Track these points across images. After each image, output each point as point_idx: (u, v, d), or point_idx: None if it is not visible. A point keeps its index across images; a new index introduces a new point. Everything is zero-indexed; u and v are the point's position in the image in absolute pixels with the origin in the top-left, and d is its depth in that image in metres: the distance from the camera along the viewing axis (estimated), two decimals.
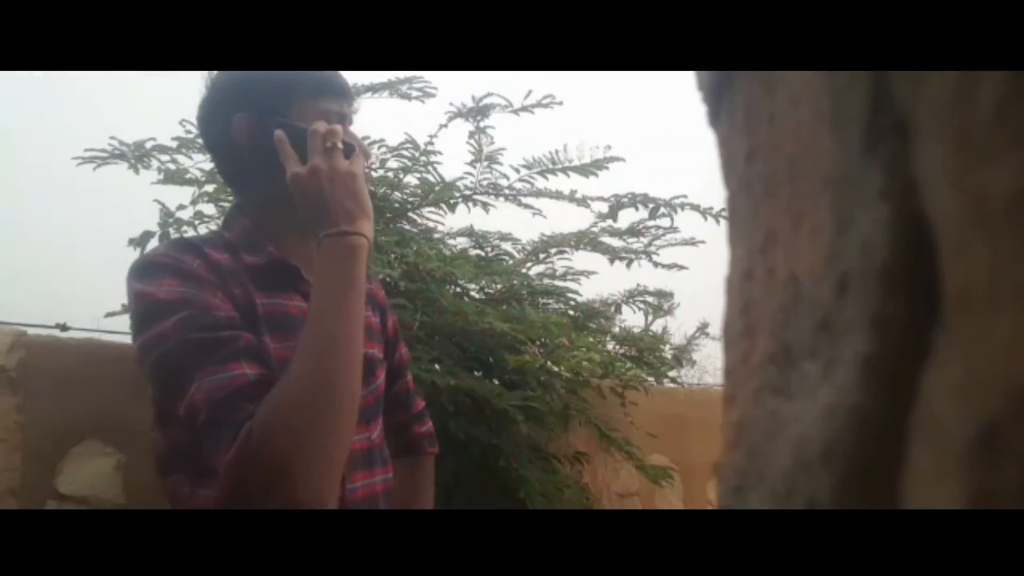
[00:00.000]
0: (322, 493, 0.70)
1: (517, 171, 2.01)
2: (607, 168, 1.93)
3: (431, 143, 1.98)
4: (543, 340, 1.70)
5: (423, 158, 1.98)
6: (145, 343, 0.74)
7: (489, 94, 1.90)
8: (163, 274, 0.77)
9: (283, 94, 0.85)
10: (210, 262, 0.80)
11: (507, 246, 2.23)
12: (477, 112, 1.93)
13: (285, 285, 0.85)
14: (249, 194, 0.91)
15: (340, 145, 0.81)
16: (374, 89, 1.88)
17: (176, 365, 0.72)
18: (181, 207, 1.68)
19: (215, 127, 0.87)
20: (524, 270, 2.17)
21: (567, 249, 2.14)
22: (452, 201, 2.02)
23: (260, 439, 0.67)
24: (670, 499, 2.21)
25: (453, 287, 1.95)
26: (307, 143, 0.80)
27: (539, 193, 2.01)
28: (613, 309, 2.33)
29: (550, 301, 2.14)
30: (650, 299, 2.31)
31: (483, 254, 2.20)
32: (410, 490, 1.09)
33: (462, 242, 2.20)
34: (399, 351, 1.09)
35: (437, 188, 2.00)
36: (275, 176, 0.81)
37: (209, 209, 1.72)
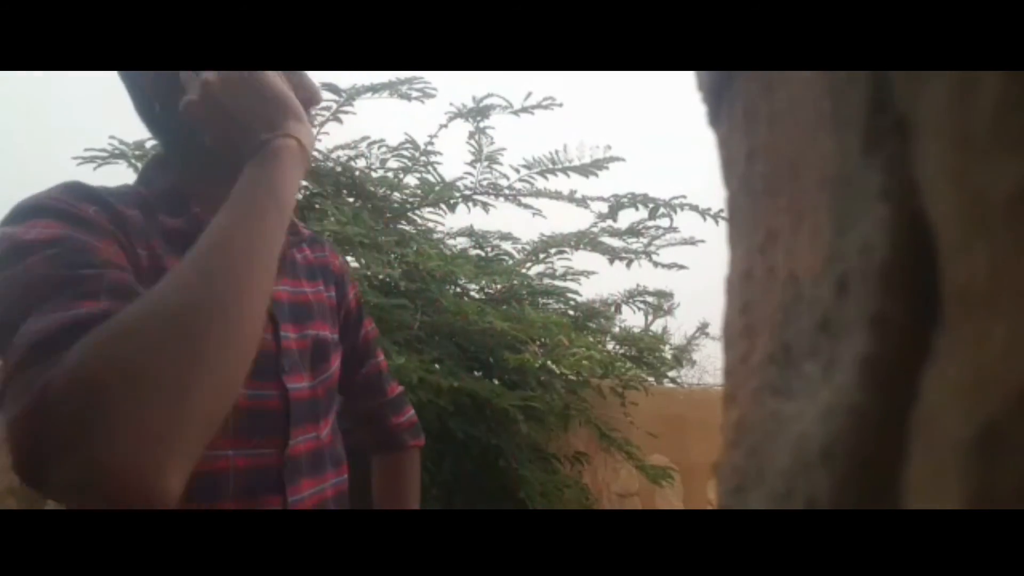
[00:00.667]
0: (148, 474, 0.44)
1: (517, 171, 2.01)
2: (607, 168, 1.93)
3: (431, 143, 1.98)
4: (543, 340, 1.70)
5: (423, 158, 1.98)
6: None
7: (489, 95, 1.90)
8: (41, 215, 0.57)
9: None
10: (115, 213, 0.62)
11: (507, 246, 2.23)
12: (477, 112, 1.93)
13: None
14: (171, 145, 0.74)
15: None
16: (374, 89, 1.88)
17: (10, 306, 0.51)
18: None
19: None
20: (524, 270, 2.18)
21: (567, 249, 2.14)
22: (452, 201, 2.02)
23: (67, 379, 0.44)
24: (670, 499, 2.21)
25: (453, 287, 1.95)
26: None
27: (539, 193, 2.01)
28: (613, 309, 2.34)
29: (550, 301, 2.14)
30: (650, 299, 2.31)
31: (483, 254, 2.21)
32: (390, 492, 0.98)
33: (462, 242, 2.20)
34: (364, 328, 0.95)
35: (437, 188, 2.00)
36: (191, 126, 0.64)
37: None
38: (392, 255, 1.64)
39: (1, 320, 0.51)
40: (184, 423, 0.47)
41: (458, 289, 1.97)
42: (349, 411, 0.96)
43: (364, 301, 1.13)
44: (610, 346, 2.16)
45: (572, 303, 2.17)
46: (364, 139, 1.99)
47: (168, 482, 0.46)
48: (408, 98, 1.90)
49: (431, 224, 2.07)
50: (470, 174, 1.99)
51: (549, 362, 1.66)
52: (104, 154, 1.65)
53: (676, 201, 1.90)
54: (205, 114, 0.62)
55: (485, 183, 2.05)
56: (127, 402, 0.44)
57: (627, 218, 2.05)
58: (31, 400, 0.45)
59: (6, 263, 0.54)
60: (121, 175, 1.66)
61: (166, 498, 0.46)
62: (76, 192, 0.62)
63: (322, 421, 0.78)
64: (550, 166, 1.95)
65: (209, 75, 0.62)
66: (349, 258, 1.65)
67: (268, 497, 0.69)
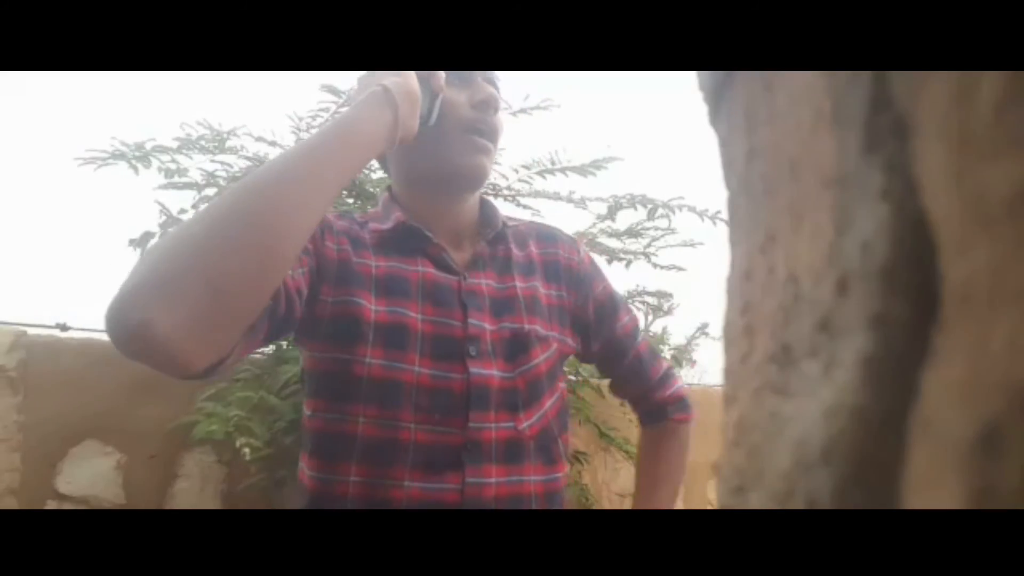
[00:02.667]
0: (173, 348, 0.54)
1: (516, 171, 2.00)
2: (606, 168, 1.93)
3: None
4: None
5: None
6: None
7: None
8: None
9: None
10: (323, 222, 0.78)
11: None
12: None
13: (410, 250, 0.82)
14: (391, 172, 0.90)
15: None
16: None
17: None
18: (183, 211, 1.68)
19: None
20: None
21: None
22: None
23: (133, 272, 0.56)
24: None
25: None
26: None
27: (538, 194, 2.01)
28: None
29: None
30: (650, 299, 2.31)
31: None
32: (649, 463, 0.99)
33: None
34: (619, 321, 0.94)
35: None
36: (399, 149, 0.79)
37: None
38: None
39: None
40: (211, 313, 0.56)
41: None
42: (620, 394, 1.01)
43: None
44: None
45: None
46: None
47: (189, 357, 0.56)
48: None
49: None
50: None
51: None
52: (104, 154, 1.65)
53: (675, 202, 1.89)
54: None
55: (485, 183, 2.04)
56: (166, 294, 0.54)
57: (626, 219, 2.05)
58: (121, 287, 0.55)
59: None
60: (121, 174, 1.65)
61: (190, 369, 0.57)
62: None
63: (523, 412, 0.80)
64: (549, 166, 1.95)
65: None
66: None
67: (446, 473, 0.74)
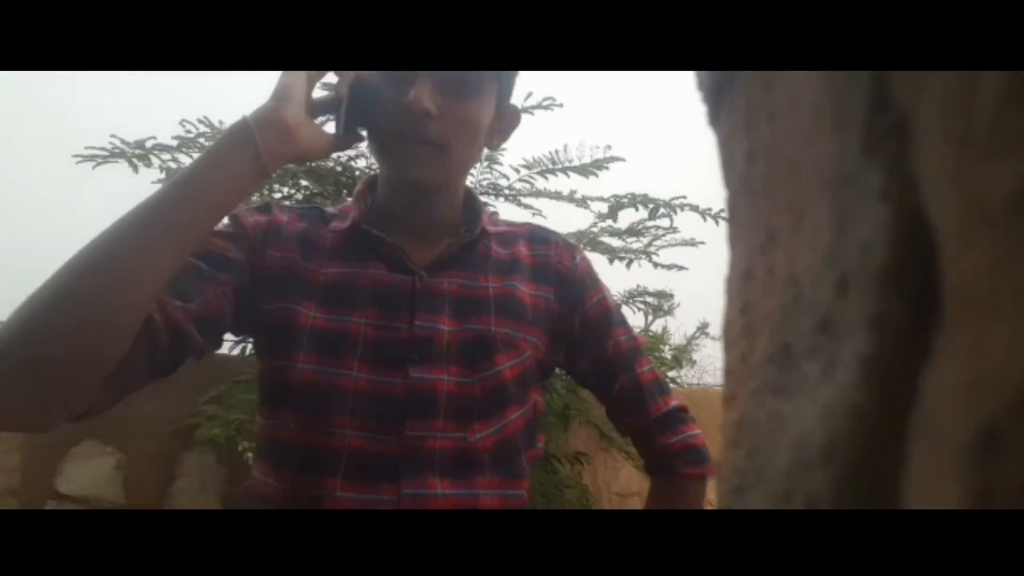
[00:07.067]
0: (12, 416, 0.60)
1: (517, 171, 2.01)
2: (607, 168, 1.93)
3: None
4: None
5: None
6: None
7: None
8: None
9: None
10: (271, 222, 0.78)
11: None
12: None
13: (365, 251, 0.78)
14: None
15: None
16: None
17: None
18: None
19: None
20: None
21: None
22: None
23: None
24: None
25: None
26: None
27: (539, 193, 2.01)
28: None
29: None
30: (650, 299, 2.31)
31: None
32: None
33: None
34: (611, 339, 0.84)
35: None
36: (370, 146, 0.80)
37: None
38: None
39: None
40: (35, 394, 0.59)
41: None
42: (617, 427, 0.90)
43: None
44: None
45: None
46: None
47: (27, 425, 0.63)
48: None
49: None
50: (470, 174, 1.99)
51: None
52: (104, 152, 1.65)
53: (676, 201, 1.89)
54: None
55: (485, 183, 2.05)
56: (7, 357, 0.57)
57: (627, 218, 2.05)
58: None
59: None
60: (121, 174, 1.65)
61: (36, 430, 0.63)
62: (269, 206, 0.81)
63: (477, 422, 0.74)
64: (550, 166, 1.95)
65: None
66: None
67: (380, 484, 0.70)
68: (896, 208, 0.18)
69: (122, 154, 1.66)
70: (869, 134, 0.19)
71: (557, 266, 0.84)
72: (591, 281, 0.86)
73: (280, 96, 0.70)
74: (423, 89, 0.73)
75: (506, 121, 0.86)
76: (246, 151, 0.67)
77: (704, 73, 0.31)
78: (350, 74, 0.76)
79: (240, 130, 0.68)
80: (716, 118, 0.31)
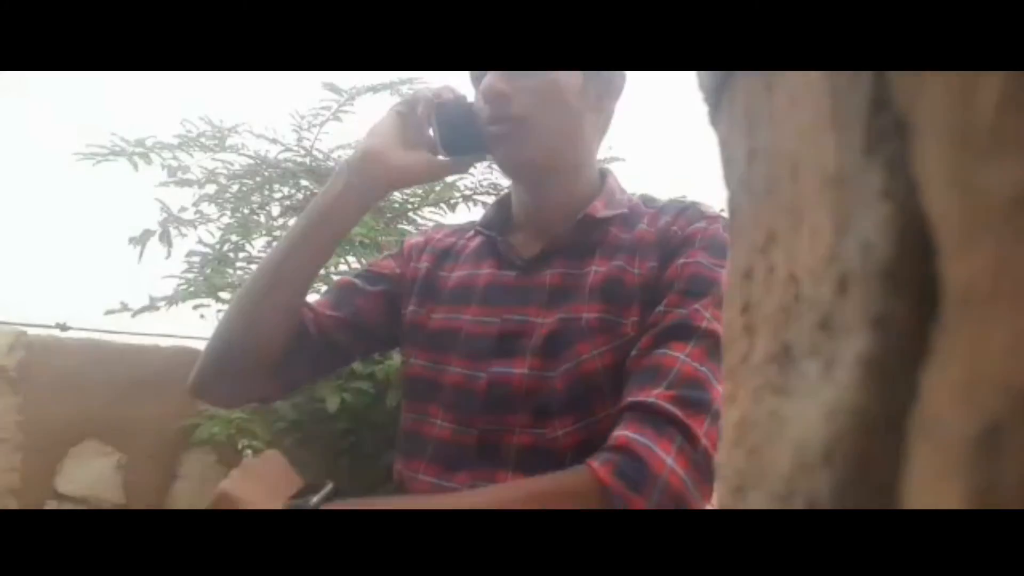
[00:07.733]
0: (194, 391, 0.86)
1: None
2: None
3: None
4: None
5: None
6: None
7: None
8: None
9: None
10: (426, 240, 0.93)
11: None
12: None
13: (484, 252, 0.86)
14: None
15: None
16: (374, 89, 1.87)
17: None
18: (183, 208, 1.68)
19: None
20: None
21: None
22: (452, 201, 2.01)
23: None
24: None
25: None
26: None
27: None
28: None
29: None
30: None
31: None
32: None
33: None
34: (662, 306, 0.70)
35: (437, 188, 1.99)
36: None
37: (209, 209, 1.72)
38: None
39: None
40: (214, 365, 0.84)
41: None
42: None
43: None
44: None
45: None
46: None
47: (202, 395, 0.91)
48: None
49: (432, 224, 2.07)
50: (471, 174, 1.98)
51: None
52: (104, 150, 1.65)
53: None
54: None
55: (486, 183, 2.04)
56: (204, 362, 0.85)
57: None
58: None
59: None
60: (123, 173, 1.65)
61: (205, 400, 1.06)
62: (429, 229, 1.01)
63: (558, 417, 0.69)
64: None
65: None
66: (349, 258, 1.65)
67: (458, 472, 0.74)
68: (896, 208, 0.18)
69: (123, 152, 1.66)
70: (869, 134, 0.19)
71: (669, 234, 0.75)
72: (696, 245, 0.72)
73: (370, 132, 0.83)
74: (494, 75, 0.78)
75: (602, 80, 0.82)
76: (340, 191, 0.81)
77: (704, 73, 0.31)
78: (432, 101, 0.83)
79: (338, 170, 0.83)
80: (716, 118, 0.31)
